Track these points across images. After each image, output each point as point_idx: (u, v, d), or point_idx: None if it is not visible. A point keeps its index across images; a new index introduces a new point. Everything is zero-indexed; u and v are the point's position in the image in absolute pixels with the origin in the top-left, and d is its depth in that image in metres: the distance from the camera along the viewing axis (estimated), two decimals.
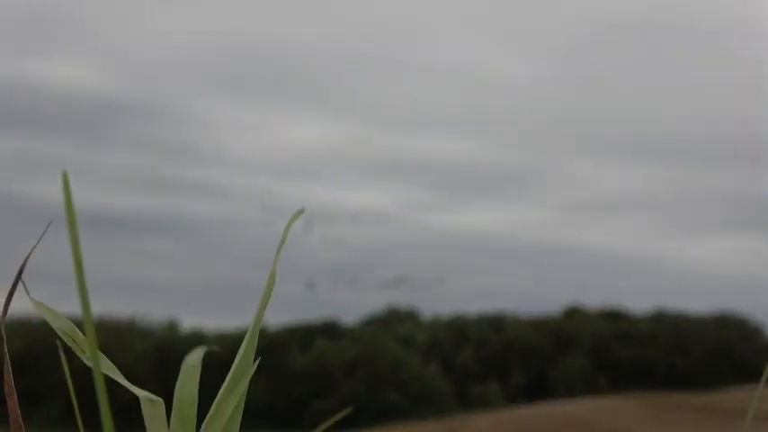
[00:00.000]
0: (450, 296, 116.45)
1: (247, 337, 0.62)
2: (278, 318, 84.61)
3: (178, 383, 0.65)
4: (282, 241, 0.68)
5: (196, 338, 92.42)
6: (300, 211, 0.70)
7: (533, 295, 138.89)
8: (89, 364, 0.63)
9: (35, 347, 74.24)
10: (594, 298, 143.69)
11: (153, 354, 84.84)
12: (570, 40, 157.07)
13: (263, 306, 0.61)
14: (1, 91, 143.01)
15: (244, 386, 0.59)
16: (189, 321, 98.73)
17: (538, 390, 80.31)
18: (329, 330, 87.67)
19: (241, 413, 0.60)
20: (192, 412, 0.60)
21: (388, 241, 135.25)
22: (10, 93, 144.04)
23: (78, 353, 0.64)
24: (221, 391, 0.62)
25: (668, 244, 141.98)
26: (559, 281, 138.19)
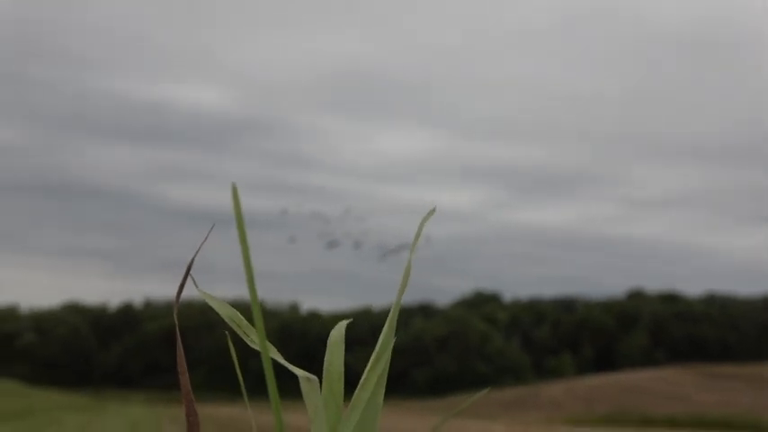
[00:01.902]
0: (527, 282, 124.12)
1: (389, 317, 0.65)
2: (381, 300, 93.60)
3: (326, 359, 0.66)
4: (417, 236, 0.67)
5: (313, 318, 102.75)
6: (432, 211, 0.70)
7: (600, 280, 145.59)
8: (254, 346, 0.65)
9: (180, 327, 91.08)
10: (654, 283, 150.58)
11: (278, 330, 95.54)
12: (626, 58, 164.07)
13: (401, 292, 0.54)
14: (143, 112, 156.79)
15: (386, 360, 0.55)
16: (307, 303, 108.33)
17: (604, 362, 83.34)
18: (425, 310, 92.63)
19: (384, 384, 0.52)
20: (340, 386, 0.64)
21: (473, 235, 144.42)
22: (149, 113, 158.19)
23: (242, 336, 0.67)
24: (369, 364, 0.63)
25: (719, 235, 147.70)
26: (623, 268, 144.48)
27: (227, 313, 0.66)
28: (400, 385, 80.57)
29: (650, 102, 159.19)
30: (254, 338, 0.63)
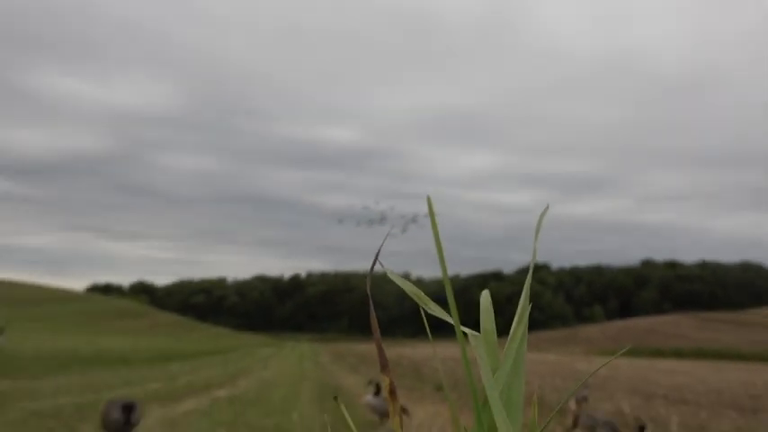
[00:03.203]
0: (569, 255, 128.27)
1: (526, 282, 0.59)
2: (468, 269, 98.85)
3: (481, 321, 0.57)
4: (537, 229, 0.59)
5: (419, 284, 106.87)
6: (547, 208, 0.61)
7: (621, 253, 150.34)
8: (434, 314, 0.57)
9: (330, 291, 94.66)
10: (660, 254, 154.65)
11: (395, 291, 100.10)
12: (637, 94, 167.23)
13: (531, 269, 0.54)
14: (304, 146, 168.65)
15: (526, 318, 0.55)
16: (415, 273, 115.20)
17: (626, 311, 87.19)
18: (496, 276, 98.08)
19: (526, 338, 0.52)
20: (494, 338, 0.56)
21: (530, 223, 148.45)
22: (309, 147, 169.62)
23: (424, 307, 0.57)
24: (515, 321, 0.57)
25: (708, 220, 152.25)
26: (637, 244, 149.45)
27: (410, 289, 0.59)
28: (478, 330, 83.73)
29: (654, 125, 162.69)
30: (433, 309, 0.57)
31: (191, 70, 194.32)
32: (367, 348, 47.89)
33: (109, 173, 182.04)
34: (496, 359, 0.56)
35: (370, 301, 0.56)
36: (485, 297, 0.65)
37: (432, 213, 0.56)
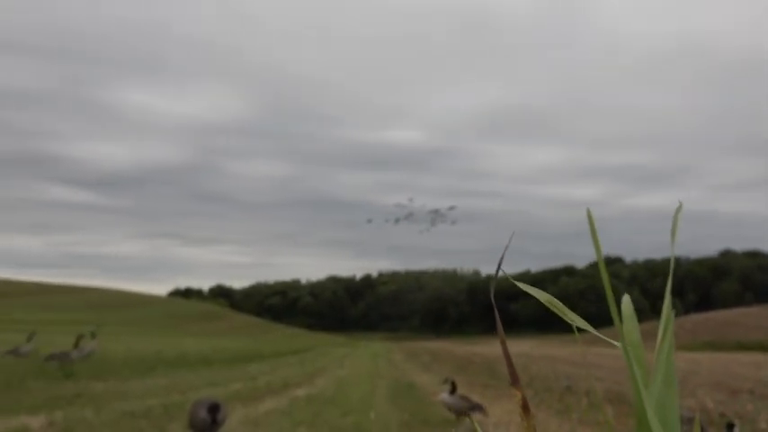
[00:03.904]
0: (643, 248, 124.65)
1: (667, 288, 0.55)
2: (538, 265, 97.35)
3: (624, 329, 0.54)
4: (674, 227, 0.55)
5: (492, 280, 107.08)
6: (680, 206, 0.57)
7: (698, 244, 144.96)
8: (571, 322, 0.55)
9: (401, 290, 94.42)
10: (740, 244, 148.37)
11: (466, 289, 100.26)
12: (704, 84, 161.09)
13: (672, 270, 0.53)
14: (369, 149, 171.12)
15: (671, 328, 0.56)
16: (485, 270, 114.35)
17: (703, 304, 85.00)
18: (568, 271, 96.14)
19: (673, 350, 0.51)
20: (641, 351, 0.51)
21: (600, 216, 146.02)
22: (374, 149, 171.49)
23: (562, 316, 0.54)
24: (659, 333, 0.53)
25: None
26: (715, 234, 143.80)
27: (544, 298, 0.56)
28: (554, 325, 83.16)
29: (721, 112, 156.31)
30: (571, 318, 0.55)
31: (259, 81, 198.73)
32: (439, 346, 48.31)
33: (186, 182, 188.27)
34: (645, 374, 0.53)
35: (496, 312, 0.53)
36: (626, 303, 0.60)
37: (592, 225, 0.55)
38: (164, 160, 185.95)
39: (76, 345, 13.82)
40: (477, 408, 7.85)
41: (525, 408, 0.52)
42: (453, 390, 8.00)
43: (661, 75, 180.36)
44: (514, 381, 0.52)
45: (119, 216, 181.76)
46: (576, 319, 0.57)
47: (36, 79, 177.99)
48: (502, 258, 0.56)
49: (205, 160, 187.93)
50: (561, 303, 0.57)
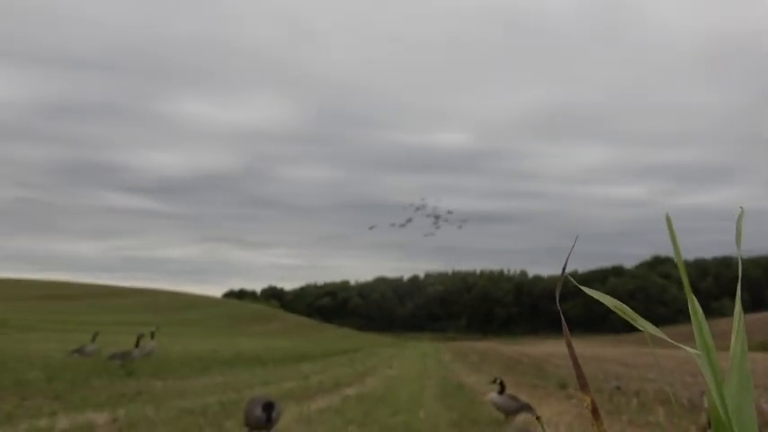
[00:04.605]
0: (693, 246, 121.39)
1: (737, 294, 0.54)
2: (586, 265, 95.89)
3: (696, 333, 0.51)
4: (738, 236, 0.54)
5: (537, 280, 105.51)
6: (743, 212, 0.57)
7: (750, 243, 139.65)
8: (640, 328, 0.53)
9: (448, 291, 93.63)
10: None
11: (513, 289, 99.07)
12: (749, 79, 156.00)
13: (740, 277, 0.49)
14: (415, 151, 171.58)
15: (743, 331, 0.51)
16: (532, 270, 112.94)
17: (757, 304, 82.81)
18: (615, 271, 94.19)
19: (747, 354, 0.51)
20: (714, 354, 0.50)
21: (648, 215, 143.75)
22: (419, 152, 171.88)
23: (631, 322, 0.52)
24: (732, 337, 0.52)
25: None
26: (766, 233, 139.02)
27: (612, 303, 0.55)
28: (603, 326, 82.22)
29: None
30: (642, 324, 0.53)
31: (307, 87, 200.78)
32: (487, 346, 47.94)
33: (239, 187, 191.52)
34: (721, 378, 0.52)
35: (562, 317, 0.54)
36: (695, 307, 0.58)
37: (672, 232, 0.55)
38: (217, 167, 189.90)
39: (137, 344, 14.23)
40: (525, 408, 7.78)
41: (595, 412, 0.52)
42: (502, 390, 7.95)
43: (713, 69, 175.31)
44: (583, 385, 0.52)
45: (175, 221, 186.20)
46: (645, 325, 0.57)
47: (97, 93, 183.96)
48: (566, 262, 0.57)
49: (257, 166, 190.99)
50: (630, 309, 0.57)
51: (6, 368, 10.90)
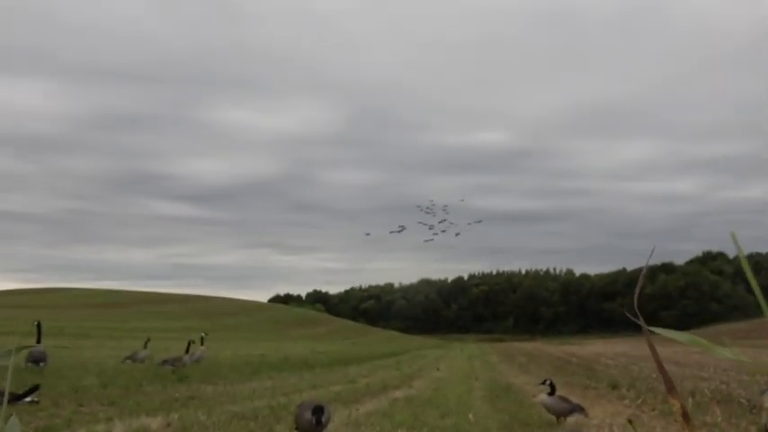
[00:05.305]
0: (747, 241, 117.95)
1: None
2: (634, 262, 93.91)
3: None
4: None
5: (584, 278, 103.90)
6: None
7: None
8: (721, 357, 0.52)
9: (493, 291, 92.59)
10: None
11: (560, 289, 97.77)
12: None
13: None
14: (456, 152, 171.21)
15: None
16: (578, 269, 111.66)
17: None
18: (666, 268, 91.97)
19: None
20: None
21: (698, 211, 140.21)
22: (460, 152, 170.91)
23: (711, 353, 0.51)
24: None
25: None
26: None
27: (685, 339, 0.55)
28: (653, 324, 78.95)
29: None
30: (719, 353, 0.52)
31: (346, 92, 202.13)
32: (534, 347, 47.63)
33: (281, 193, 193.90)
34: None
35: (642, 320, 0.51)
36: None
37: (738, 246, 0.52)
38: (260, 173, 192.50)
39: (188, 350, 14.52)
40: (577, 409, 7.66)
41: (685, 416, 0.50)
42: (552, 391, 7.82)
43: (757, 58, 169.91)
44: (670, 389, 0.50)
45: (220, 228, 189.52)
46: (723, 352, 0.55)
47: (143, 105, 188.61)
48: (642, 278, 0.55)
49: (299, 172, 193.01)
50: (704, 341, 0.58)
51: (63, 375, 11.17)
